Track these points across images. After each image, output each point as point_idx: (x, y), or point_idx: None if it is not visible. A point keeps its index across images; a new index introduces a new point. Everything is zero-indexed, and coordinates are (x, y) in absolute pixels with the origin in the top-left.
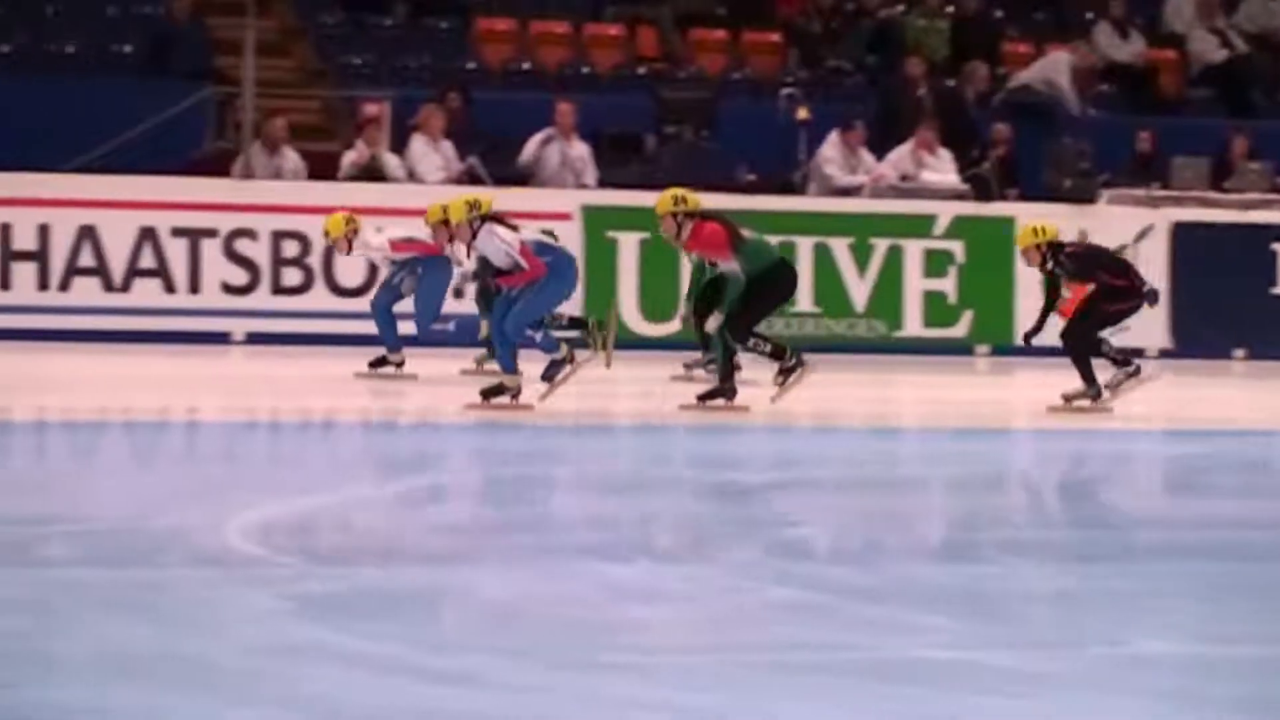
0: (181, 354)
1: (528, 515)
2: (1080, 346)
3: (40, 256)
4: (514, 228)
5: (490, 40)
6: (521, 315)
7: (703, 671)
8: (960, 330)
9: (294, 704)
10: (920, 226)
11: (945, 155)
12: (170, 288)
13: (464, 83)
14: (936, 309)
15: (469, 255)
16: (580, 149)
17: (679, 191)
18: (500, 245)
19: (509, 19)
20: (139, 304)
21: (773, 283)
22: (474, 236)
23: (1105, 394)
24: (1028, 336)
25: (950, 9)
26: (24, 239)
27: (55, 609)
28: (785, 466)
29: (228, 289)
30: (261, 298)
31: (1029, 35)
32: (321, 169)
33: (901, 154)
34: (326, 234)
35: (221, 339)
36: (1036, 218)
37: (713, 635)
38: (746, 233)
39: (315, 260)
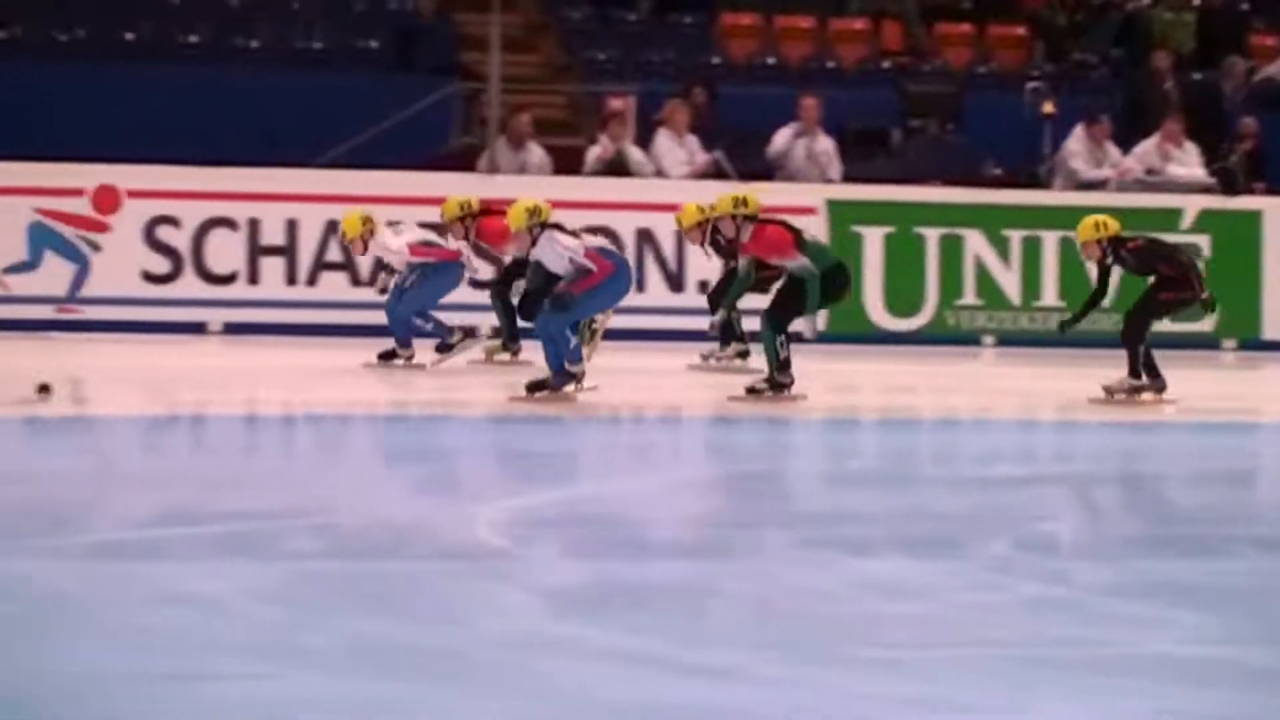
0: (420, 348)
1: (775, 509)
2: (1135, 337)
3: (288, 251)
4: (574, 234)
5: (735, 35)
6: (570, 315)
7: (955, 667)
8: (1207, 324)
9: (546, 698)
10: (1167, 220)
11: (1192, 149)
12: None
13: (708, 77)
14: None
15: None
16: (825, 143)
17: (738, 194)
18: (561, 252)
19: (754, 14)
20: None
21: (826, 285)
22: (533, 244)
23: (1142, 384)
24: (1064, 325)
25: (1197, 1)
26: (272, 234)
27: (307, 601)
28: (1028, 461)
29: (474, 284)
30: None
31: (1276, 27)
32: (566, 164)
33: (1147, 148)
34: (343, 234)
35: (468, 334)
36: None
37: (965, 630)
38: (807, 236)
39: None
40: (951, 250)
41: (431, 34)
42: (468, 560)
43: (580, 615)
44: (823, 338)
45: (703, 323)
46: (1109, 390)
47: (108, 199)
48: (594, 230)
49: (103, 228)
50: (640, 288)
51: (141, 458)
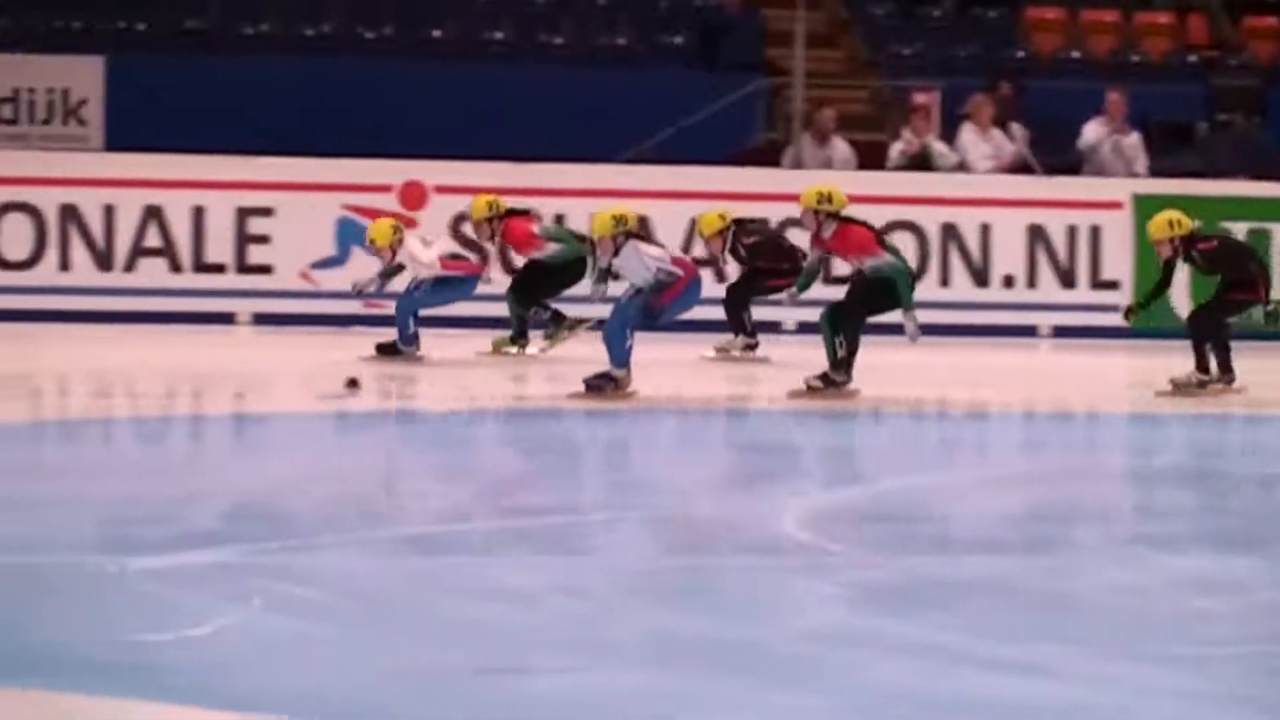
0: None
1: (1076, 504)
2: (1203, 333)
3: (592, 246)
4: (656, 243)
5: (1040, 29)
6: (635, 316)
7: (1265, 665)
8: None
9: (853, 692)
10: None
11: None
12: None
13: (1013, 71)
14: None
15: (608, 268)
16: (1132, 137)
17: (824, 189)
18: (648, 262)
19: (1058, 8)
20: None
21: (902, 286)
22: (616, 252)
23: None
24: (1128, 313)
25: None
26: (580, 228)
27: (615, 596)
28: None
29: None
30: (814, 287)
31: None
32: (870, 159)
33: None
34: (372, 241)
35: (773, 328)
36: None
37: (1273, 628)
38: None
39: None
40: (1258, 244)
41: (736, 29)
42: (774, 555)
43: (886, 609)
44: (1138, 333)
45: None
46: (1177, 384)
47: (415, 195)
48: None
49: (409, 223)
50: (945, 283)
51: (447, 452)
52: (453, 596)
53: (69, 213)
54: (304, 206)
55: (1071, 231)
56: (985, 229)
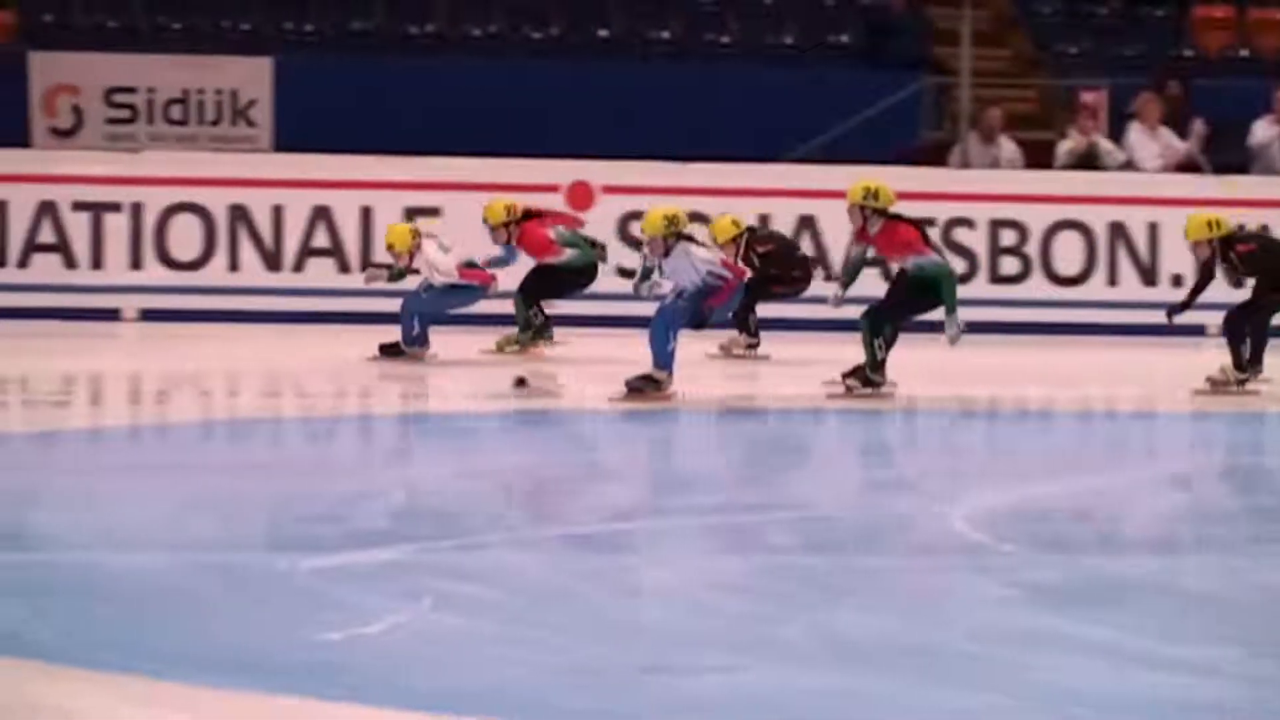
0: (898, 342)
1: (1238, 505)
2: (1239, 331)
3: None
4: (705, 245)
5: (1207, 27)
6: (679, 319)
7: None
8: None
9: (1026, 692)
10: None
11: None
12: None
13: (1180, 70)
14: None
15: (655, 267)
16: None
17: (871, 184)
18: (698, 265)
19: (1227, 6)
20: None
21: (947, 287)
22: (666, 253)
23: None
24: (1171, 313)
25: None
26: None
27: (779, 595)
28: None
29: None
30: (979, 286)
31: None
32: (1037, 158)
33: None
34: (390, 246)
35: (938, 328)
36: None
37: None
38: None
39: (1033, 249)
40: None
41: (902, 28)
42: (942, 554)
43: (1057, 609)
44: None
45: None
46: (1214, 382)
47: (582, 194)
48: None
49: (577, 223)
50: (1112, 282)
51: (610, 451)
52: (619, 595)
53: (238, 213)
54: (471, 206)
55: None
56: (1153, 228)
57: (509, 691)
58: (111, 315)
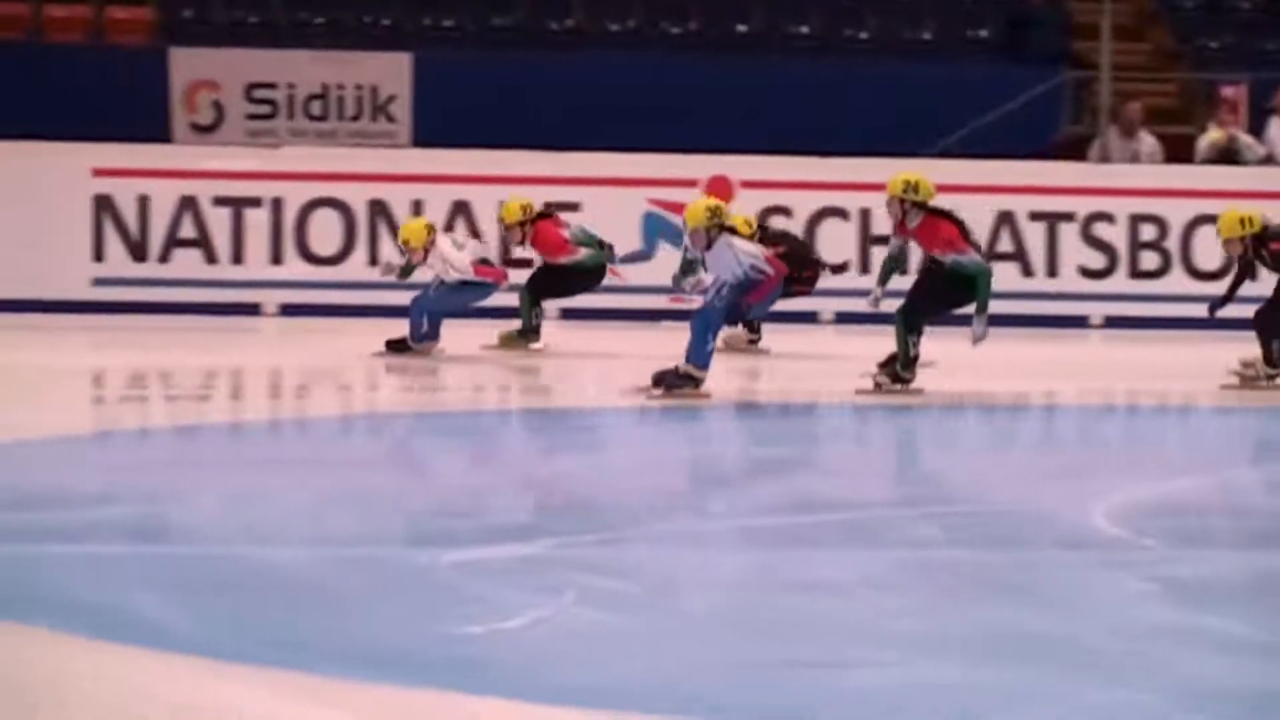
0: (1036, 338)
1: None
2: (1271, 326)
3: None
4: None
5: None
6: (720, 319)
7: None
8: None
9: (1168, 688)
10: None
11: None
12: (1028, 271)
13: None
14: None
15: (697, 260)
16: None
17: (912, 177)
18: (742, 258)
19: None
20: (997, 287)
21: (983, 286)
22: (709, 246)
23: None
24: (1213, 308)
25: None
26: (883, 223)
27: (931, 590)
28: None
29: (1085, 273)
30: (1119, 281)
31: None
32: (1177, 152)
33: None
34: (405, 242)
35: (1079, 323)
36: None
37: None
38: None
39: (1173, 244)
40: None
41: (1042, 22)
42: (1086, 549)
43: (1201, 604)
44: None
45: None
46: (1242, 376)
47: (721, 189)
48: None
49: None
50: (1252, 276)
51: (763, 445)
52: (766, 589)
53: (377, 208)
54: (609, 201)
55: None
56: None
57: (653, 686)
58: (251, 310)
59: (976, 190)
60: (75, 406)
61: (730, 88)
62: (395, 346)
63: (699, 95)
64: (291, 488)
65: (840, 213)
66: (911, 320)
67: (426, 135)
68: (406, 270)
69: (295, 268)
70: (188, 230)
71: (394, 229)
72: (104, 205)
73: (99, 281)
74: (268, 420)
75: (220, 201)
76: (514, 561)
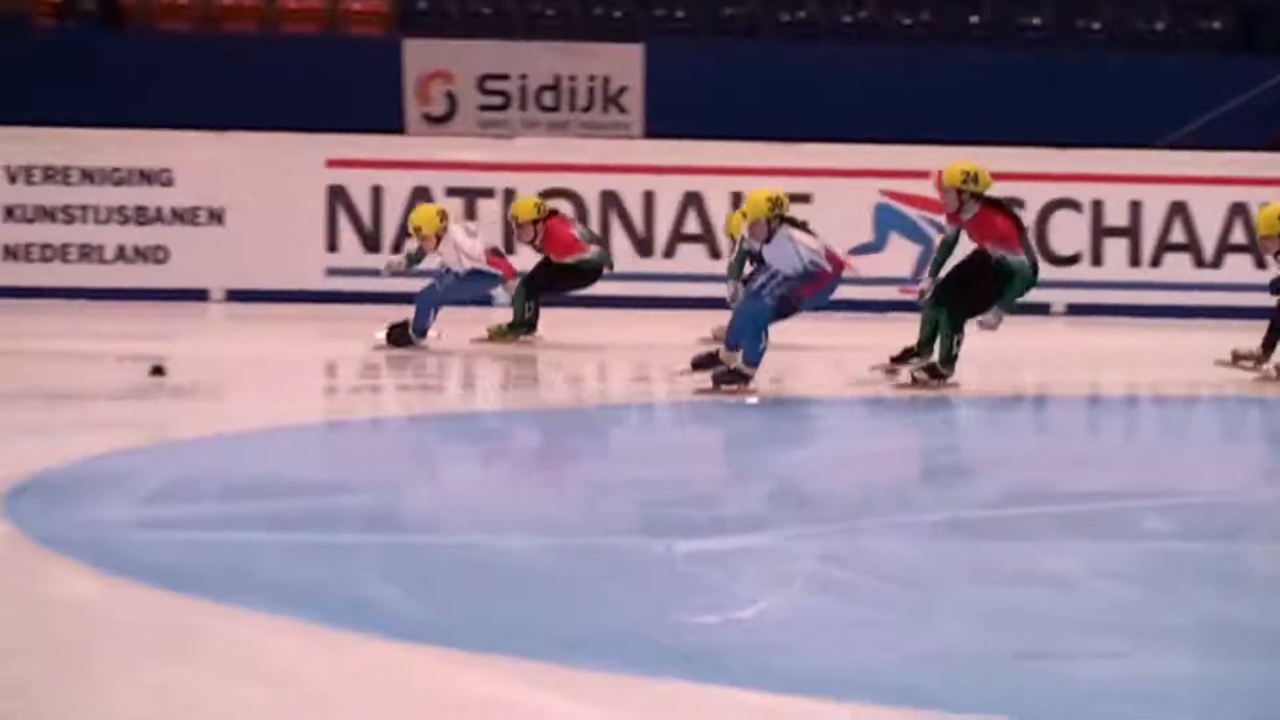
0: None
1: None
2: None
3: (1131, 233)
4: (812, 233)
5: None
6: (770, 314)
7: None
8: None
9: None
10: None
11: None
12: (1260, 264)
13: None
14: None
15: (753, 252)
16: None
17: (970, 167)
18: (802, 252)
19: None
20: (1230, 280)
21: (1017, 285)
22: (768, 238)
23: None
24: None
25: None
26: (1115, 215)
27: (1159, 581)
28: None
29: None
30: None
31: None
32: None
33: None
34: (417, 229)
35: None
36: None
37: None
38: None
39: None
40: None
41: (1274, 14)
42: None
43: None
44: None
45: None
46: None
47: None
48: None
49: (938, 208)
50: None
51: (985, 437)
52: (991, 580)
53: (609, 199)
54: (842, 192)
55: None
56: None
57: (881, 676)
58: (483, 300)
59: (1208, 182)
60: (309, 396)
61: (962, 80)
62: (395, 338)
63: (931, 87)
64: (523, 478)
65: (1073, 204)
66: (957, 319)
67: (658, 126)
68: (416, 258)
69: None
70: None
71: (625, 220)
72: (337, 196)
73: (332, 271)
74: (500, 410)
75: (453, 192)
76: (745, 551)
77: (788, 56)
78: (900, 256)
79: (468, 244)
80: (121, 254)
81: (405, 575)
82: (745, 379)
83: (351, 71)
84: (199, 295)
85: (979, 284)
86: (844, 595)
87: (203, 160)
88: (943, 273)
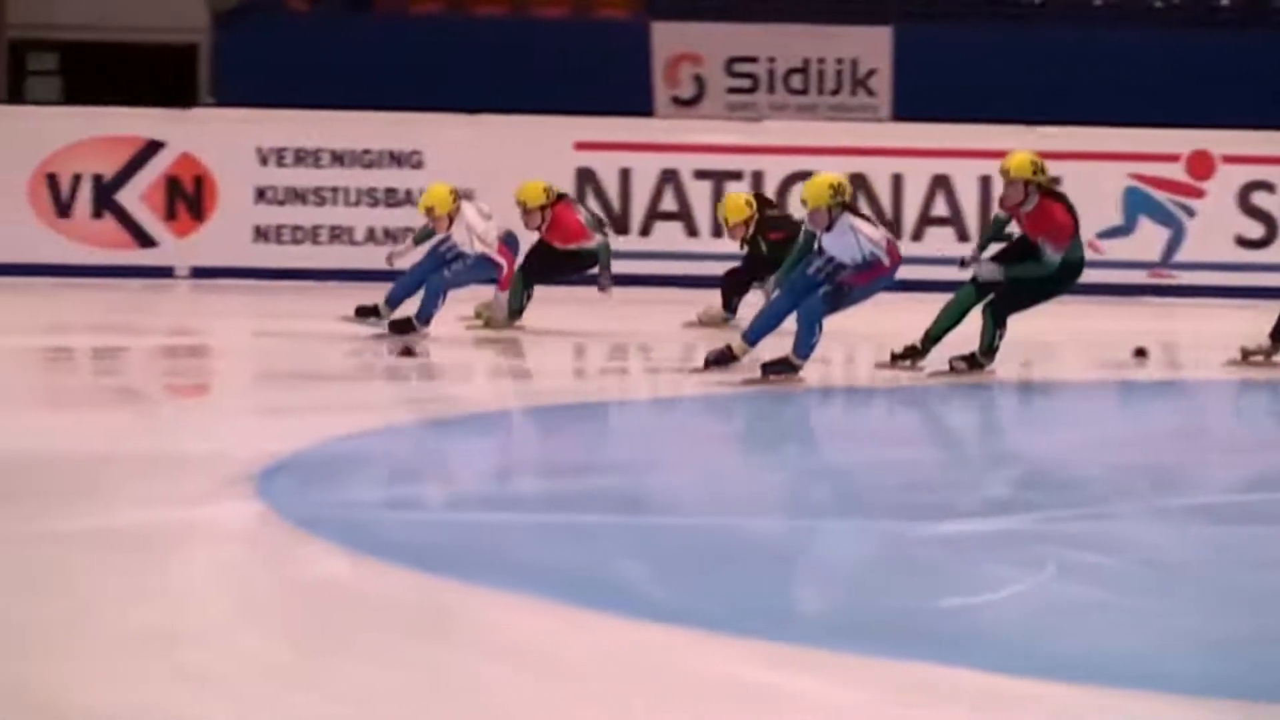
0: None
1: None
2: None
3: None
4: (873, 222)
5: None
6: (827, 307)
7: None
8: None
9: None
10: None
11: None
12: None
13: None
14: None
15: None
16: None
17: (1037, 157)
18: (863, 241)
19: None
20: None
21: (1061, 280)
22: (830, 226)
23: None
24: None
25: None
26: None
27: None
28: None
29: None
30: None
31: None
32: None
33: None
34: (429, 209)
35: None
36: None
37: None
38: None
39: None
40: None
41: None
42: None
43: None
44: None
45: None
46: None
47: (1202, 164)
48: None
49: (1197, 193)
50: None
51: (1229, 421)
52: (1246, 566)
53: (857, 182)
54: (1090, 176)
55: None
56: None
57: (1133, 660)
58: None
59: None
60: (558, 376)
61: (1212, 61)
62: (398, 327)
63: (1181, 69)
64: (772, 459)
65: None
66: (1001, 315)
67: (906, 109)
68: (423, 236)
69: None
70: (669, 203)
71: (874, 202)
72: (586, 178)
73: None
74: (750, 392)
75: (701, 175)
76: (996, 535)
77: (1036, 38)
78: (1149, 240)
79: (480, 225)
80: (371, 236)
81: (654, 556)
82: (794, 369)
83: (600, 54)
84: None
85: (1029, 284)
86: (1096, 579)
87: (453, 142)
88: (996, 256)
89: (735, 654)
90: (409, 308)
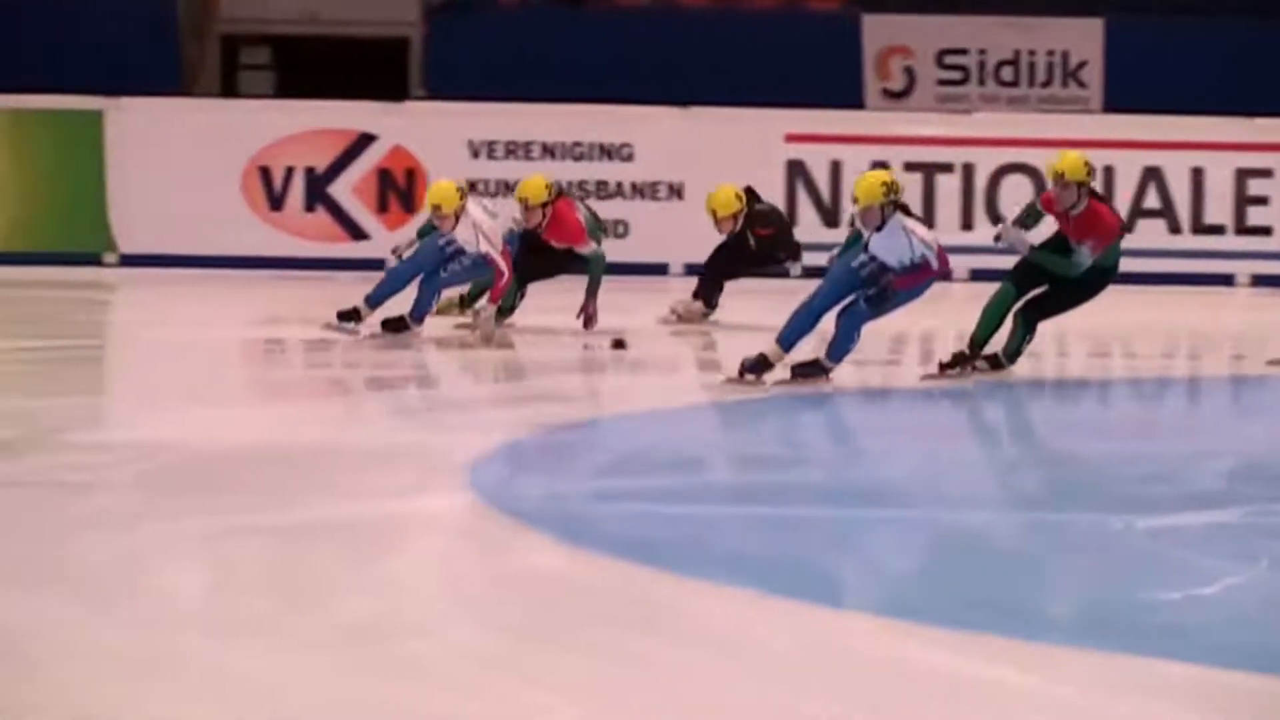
0: None
1: None
2: None
3: None
4: (920, 220)
5: None
6: (871, 314)
7: None
8: None
9: None
10: None
11: None
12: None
13: None
14: None
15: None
16: None
17: (1087, 159)
18: (915, 242)
19: None
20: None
21: (1095, 286)
22: (881, 225)
23: None
24: None
25: None
26: None
27: None
28: None
29: None
30: None
31: None
32: None
33: None
34: (436, 206)
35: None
36: None
37: None
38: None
39: None
40: None
41: None
42: None
43: None
44: None
45: None
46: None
47: None
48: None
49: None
50: None
51: None
52: None
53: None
54: None
55: None
56: None
57: None
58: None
59: None
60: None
61: None
62: (391, 326)
63: None
64: (977, 452)
65: None
66: (1033, 320)
67: (1117, 101)
68: (425, 232)
69: (985, 233)
70: None
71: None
72: (796, 170)
73: None
74: (948, 387)
75: (911, 167)
76: (1208, 528)
77: (1247, 30)
78: None
79: (487, 224)
80: None
81: (861, 548)
82: (825, 372)
83: (811, 47)
84: (659, 269)
85: (1064, 291)
86: None
87: (663, 135)
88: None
89: (944, 645)
90: (401, 305)
